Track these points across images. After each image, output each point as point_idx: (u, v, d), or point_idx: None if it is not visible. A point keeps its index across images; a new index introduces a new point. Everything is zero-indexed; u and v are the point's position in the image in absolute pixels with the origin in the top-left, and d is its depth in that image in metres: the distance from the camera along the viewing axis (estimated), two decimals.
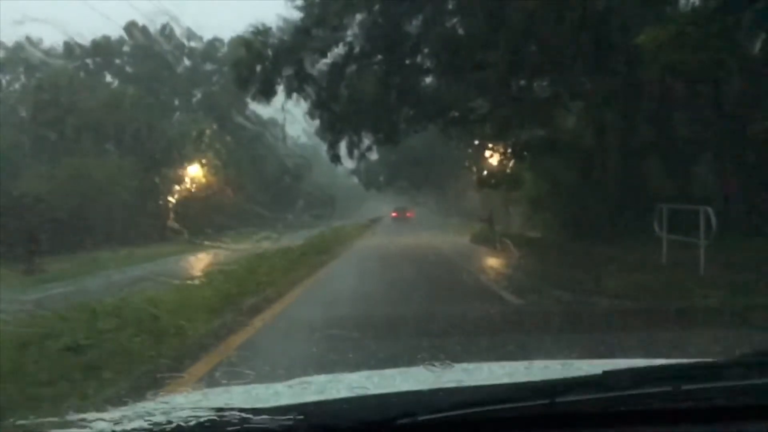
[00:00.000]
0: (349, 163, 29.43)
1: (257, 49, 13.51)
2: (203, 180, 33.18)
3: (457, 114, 18.21)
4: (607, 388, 1.27)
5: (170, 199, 29.93)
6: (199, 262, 15.72)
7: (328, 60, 14.09)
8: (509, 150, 19.67)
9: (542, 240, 17.38)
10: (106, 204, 24.48)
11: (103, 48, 43.81)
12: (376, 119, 16.71)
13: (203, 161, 33.23)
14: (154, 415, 1.17)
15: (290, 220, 44.76)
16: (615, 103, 14.98)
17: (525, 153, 19.11)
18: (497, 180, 20.59)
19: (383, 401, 1.30)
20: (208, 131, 36.49)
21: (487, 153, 21.58)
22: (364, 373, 1.64)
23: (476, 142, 20.42)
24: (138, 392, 3.18)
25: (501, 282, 9.95)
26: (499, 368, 1.71)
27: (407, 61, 14.45)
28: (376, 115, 16.32)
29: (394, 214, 56.57)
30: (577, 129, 18.03)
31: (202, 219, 30.90)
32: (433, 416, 1.19)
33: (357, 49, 13.86)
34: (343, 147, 18.59)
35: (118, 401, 1.39)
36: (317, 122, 17.87)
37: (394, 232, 33.26)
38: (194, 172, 32.89)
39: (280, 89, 15.39)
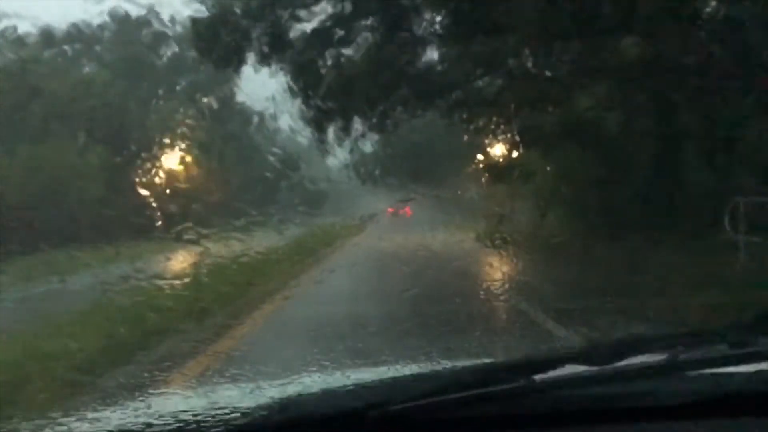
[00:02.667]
0: (341, 156, 27.10)
1: (221, 7, 11.09)
2: (184, 173, 30.70)
3: (461, 94, 15.85)
4: (588, 361, 1.19)
5: (146, 192, 27.56)
6: (155, 266, 13.30)
7: (308, 23, 11.61)
8: (521, 137, 17.29)
9: (564, 240, 15.00)
10: (70, 197, 22.10)
11: (81, 34, 41.46)
12: (368, 100, 14.34)
13: (184, 153, 30.78)
14: (141, 413, 1.15)
15: (279, 217, 42.26)
16: (651, 77, 12.64)
17: (538, 140, 16.76)
18: (507, 172, 18.20)
19: (356, 391, 1.23)
20: (190, 121, 34.10)
21: (496, 141, 19.22)
22: (358, 371, 1.55)
23: (482, 128, 17.87)
24: None
25: (531, 298, 7.51)
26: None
27: (404, 26, 12.02)
28: (367, 95, 13.94)
29: (390, 211, 55.27)
30: (600, 111, 15.67)
31: (181, 215, 28.42)
32: (406, 405, 1.14)
33: (345, 9, 11.42)
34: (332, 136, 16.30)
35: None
36: (303, 108, 15.59)
37: (391, 229, 30.74)
38: (174, 165, 30.37)
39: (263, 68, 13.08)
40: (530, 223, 19.67)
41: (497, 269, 11.93)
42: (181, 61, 43.52)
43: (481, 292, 9.03)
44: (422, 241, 19.07)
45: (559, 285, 8.46)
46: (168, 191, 28.24)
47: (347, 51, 12.58)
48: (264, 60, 11.79)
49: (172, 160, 29.66)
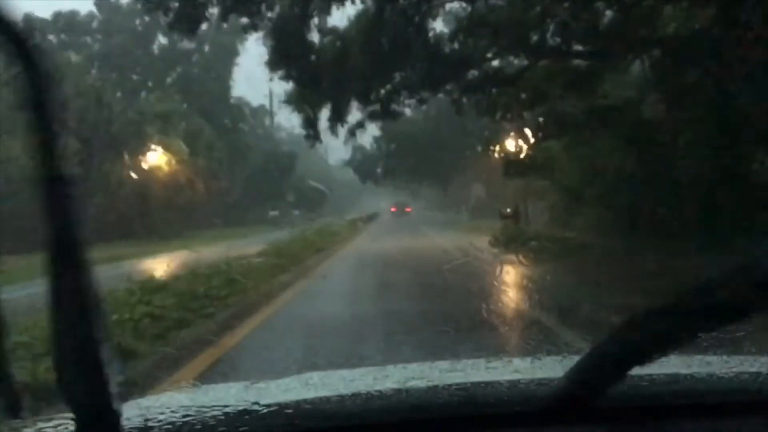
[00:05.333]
0: (340, 151, 24.99)
1: None
2: (170, 171, 28.42)
3: (475, 75, 13.62)
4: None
5: (122, 190, 25.33)
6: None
7: None
8: (543, 125, 15.05)
9: (596, 245, 12.71)
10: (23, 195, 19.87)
11: (67, 23, 39.34)
12: (365, 80, 12.14)
13: (171, 148, 28.49)
14: (142, 412, 1.08)
15: (277, 217, 40.22)
16: (700, 51, 10.40)
17: (563, 128, 14.53)
18: (526, 165, 15.95)
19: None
20: (179, 114, 31.90)
21: (513, 130, 17.01)
22: (362, 370, 1.37)
23: (498, 111, 15.44)
24: None
25: (584, 333, 5.17)
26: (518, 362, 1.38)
27: None
28: (364, 73, 11.74)
29: (393, 209, 57.50)
30: (636, 94, 13.45)
31: (165, 217, 26.25)
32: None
33: None
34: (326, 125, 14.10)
35: None
36: (286, 90, 13.39)
37: (394, 231, 28.37)
38: (159, 161, 28.07)
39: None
40: (552, 225, 17.39)
41: (534, 290, 8.94)
42: (173, 52, 41.46)
43: (521, 330, 6.58)
44: (430, 248, 16.76)
45: (619, 311, 6.19)
46: (149, 190, 25.94)
47: (338, 16, 10.32)
48: (227, 15, 9.45)
49: (156, 156, 27.32)
